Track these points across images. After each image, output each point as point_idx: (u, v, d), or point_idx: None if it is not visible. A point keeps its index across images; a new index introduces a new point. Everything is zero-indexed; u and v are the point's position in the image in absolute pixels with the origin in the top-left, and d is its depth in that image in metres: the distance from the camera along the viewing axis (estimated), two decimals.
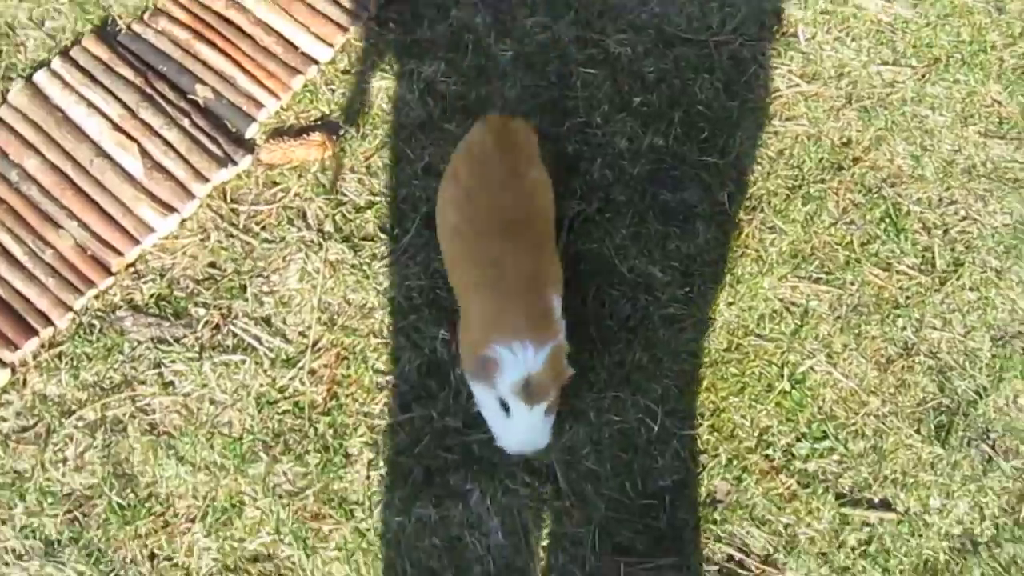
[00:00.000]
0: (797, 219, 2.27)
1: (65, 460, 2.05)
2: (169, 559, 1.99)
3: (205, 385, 2.09)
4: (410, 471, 2.04)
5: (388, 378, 2.11)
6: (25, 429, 2.08)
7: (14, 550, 1.98)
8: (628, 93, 2.41)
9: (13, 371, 2.10)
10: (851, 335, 2.21)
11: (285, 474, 2.04)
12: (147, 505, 2.02)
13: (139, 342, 2.13)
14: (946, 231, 2.32)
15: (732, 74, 2.46)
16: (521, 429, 1.92)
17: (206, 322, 2.14)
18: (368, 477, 2.04)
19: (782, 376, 2.16)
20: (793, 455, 2.11)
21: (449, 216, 2.05)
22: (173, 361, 2.12)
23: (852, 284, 2.25)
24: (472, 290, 1.99)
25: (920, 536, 2.09)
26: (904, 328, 2.23)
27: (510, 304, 1.92)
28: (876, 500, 2.10)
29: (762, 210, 2.27)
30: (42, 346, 2.13)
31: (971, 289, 2.27)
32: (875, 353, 2.20)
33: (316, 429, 2.07)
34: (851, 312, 2.23)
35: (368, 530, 2.00)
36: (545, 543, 2.03)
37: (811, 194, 2.30)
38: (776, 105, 2.45)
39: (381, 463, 2.04)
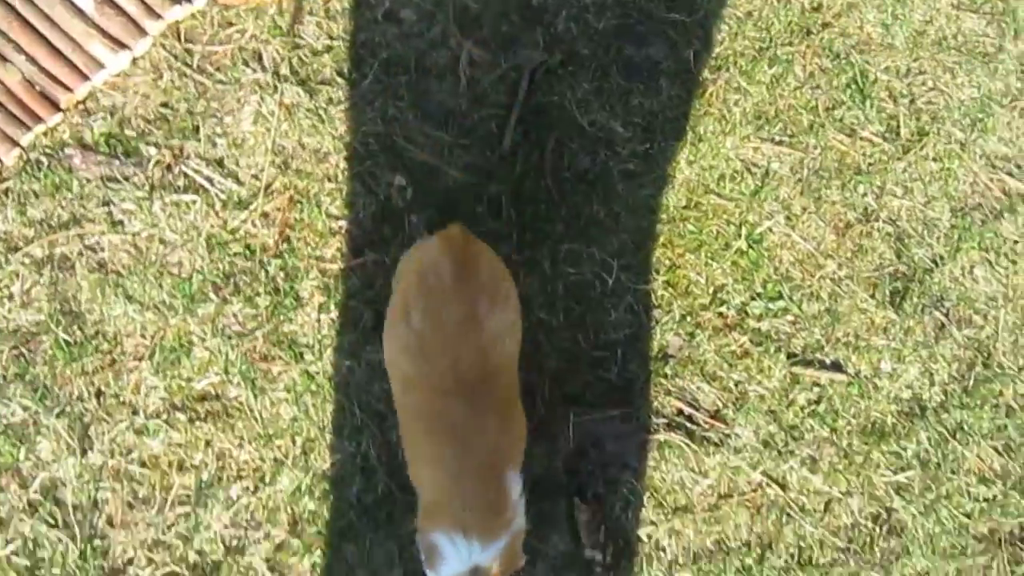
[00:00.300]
0: (763, 81, 2.22)
1: (11, 296, 2.00)
2: (116, 396, 1.94)
3: (155, 225, 2.03)
4: (361, 316, 1.99)
5: (341, 223, 2.05)
6: None
7: None
8: None
9: None
10: (811, 198, 2.16)
11: (235, 315, 1.99)
12: (94, 343, 1.96)
13: (88, 180, 2.06)
14: (912, 101, 2.27)
15: None
16: None
17: (157, 162, 2.07)
18: (319, 320, 1.98)
19: (740, 235, 2.11)
20: (747, 314, 2.07)
21: (400, 363, 1.71)
22: (123, 200, 2.05)
23: (815, 148, 2.20)
24: (422, 460, 1.72)
25: (869, 398, 2.07)
26: (865, 194, 2.19)
27: (462, 487, 1.66)
28: (827, 361, 2.07)
29: (728, 70, 2.21)
30: None
31: (934, 159, 2.23)
32: (834, 217, 2.16)
33: (267, 272, 2.01)
34: (812, 176, 2.18)
35: (317, 373, 1.96)
36: None
37: (778, 57, 2.24)
38: None
39: (332, 307, 1.99)
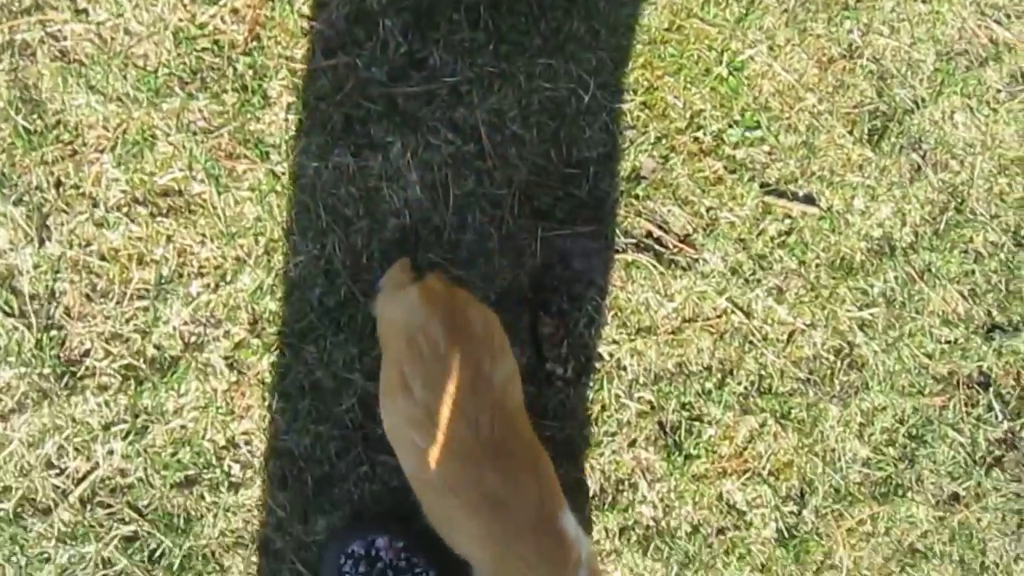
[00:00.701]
0: None
1: None
2: (76, 187, 1.87)
3: (121, 15, 1.94)
4: (330, 118, 1.93)
5: (314, 23, 1.97)
6: None
7: None
8: None
9: None
10: (796, 30, 2.09)
11: (200, 111, 1.91)
12: (55, 132, 1.89)
13: None
14: None
15: None
16: None
17: None
18: (286, 120, 1.91)
19: (721, 62, 2.04)
20: (723, 140, 2.02)
21: (409, 437, 1.58)
22: None
23: None
24: (467, 535, 1.59)
25: (840, 234, 2.03)
26: (851, 30, 2.12)
27: (520, 552, 1.56)
28: (801, 194, 2.03)
29: None
30: None
31: (923, 1, 2.13)
32: (818, 51, 2.09)
33: (235, 68, 1.93)
34: (799, 7, 2.11)
35: (283, 173, 1.89)
36: (464, 202, 1.89)
37: None
38: None
39: (300, 108, 1.92)
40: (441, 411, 1.57)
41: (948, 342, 2.05)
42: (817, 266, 2.03)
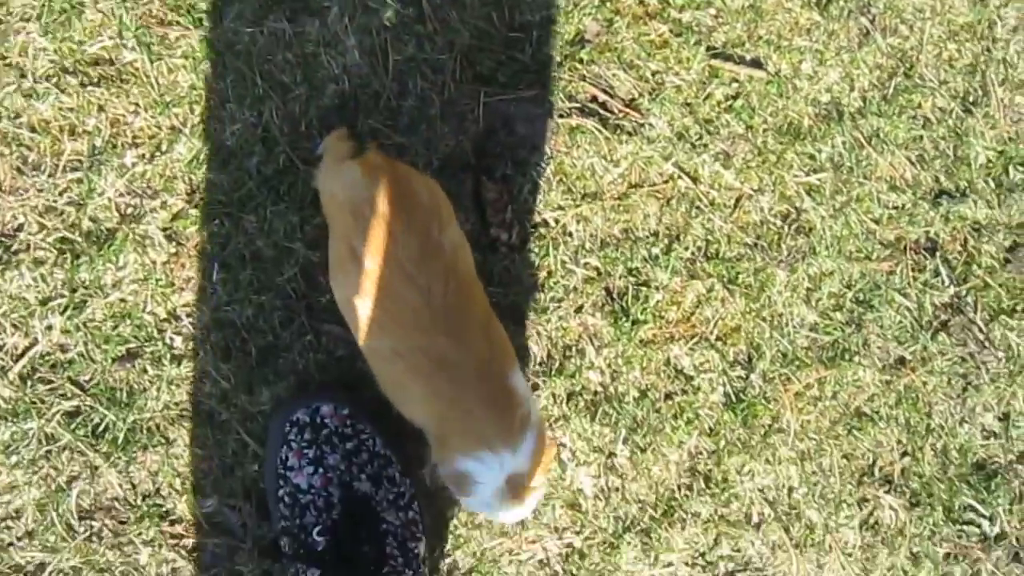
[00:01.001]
0: None
1: None
2: (2, 58, 1.86)
3: None
4: None
5: None
6: None
7: None
8: None
9: None
10: None
11: None
12: None
13: None
14: None
15: None
16: (512, 519, 1.64)
17: None
18: None
19: None
20: (668, 3, 2.00)
21: (359, 308, 1.58)
22: None
23: None
24: (415, 400, 1.59)
25: (787, 98, 1.99)
26: None
27: (466, 406, 1.54)
28: (748, 58, 1.99)
29: None
30: None
31: None
32: None
33: None
34: None
35: (217, 40, 1.84)
36: (404, 67, 1.83)
37: None
38: None
39: None
40: (392, 281, 1.54)
41: (896, 208, 2.03)
42: (764, 131, 2.00)
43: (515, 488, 1.56)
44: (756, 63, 2.03)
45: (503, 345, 1.64)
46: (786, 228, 2.00)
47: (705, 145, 1.99)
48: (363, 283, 1.56)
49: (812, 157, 2.03)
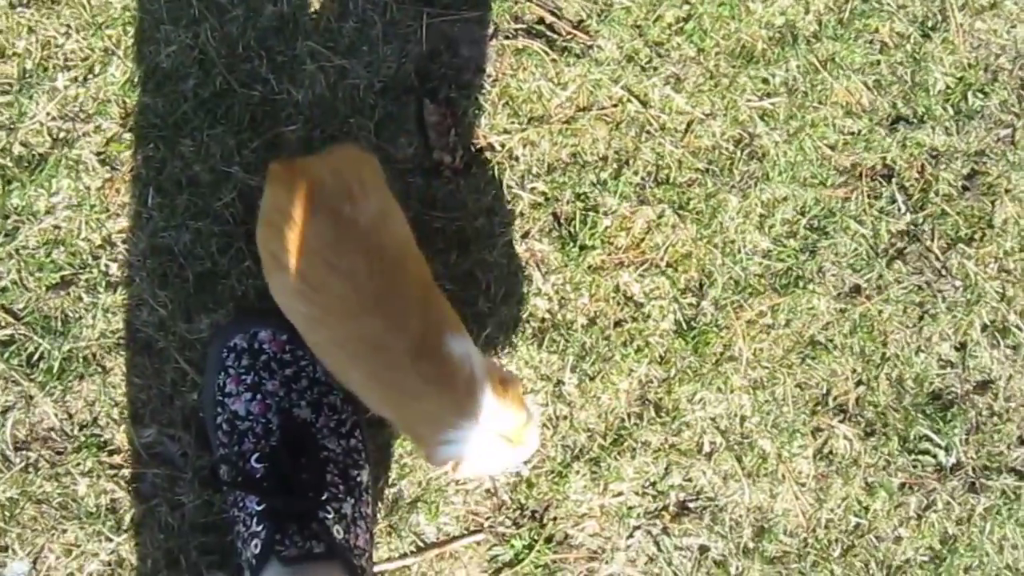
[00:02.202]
0: None
1: None
2: None
3: None
4: None
5: None
6: None
7: None
8: None
9: None
10: None
11: None
12: None
13: None
14: None
15: None
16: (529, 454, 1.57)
17: None
18: None
19: None
20: None
21: (295, 307, 1.53)
22: None
23: None
24: (362, 387, 1.55)
25: (740, 21, 1.94)
26: None
27: (414, 390, 1.46)
28: None
29: None
30: None
31: None
32: None
33: None
34: None
35: None
36: None
37: None
38: None
39: None
40: (315, 273, 1.49)
41: (851, 133, 1.97)
42: (716, 54, 1.94)
43: (508, 438, 1.49)
44: None
45: (439, 314, 1.55)
46: (739, 153, 1.95)
47: (655, 68, 1.93)
48: (290, 284, 1.51)
49: (766, 81, 1.97)
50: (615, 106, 1.94)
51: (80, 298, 1.78)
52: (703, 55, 1.97)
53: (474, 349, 1.53)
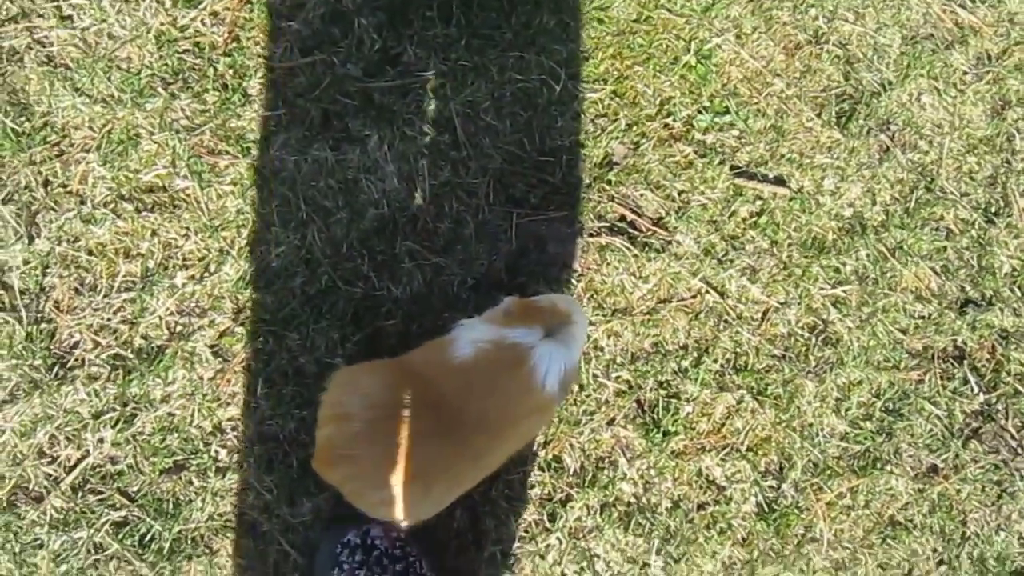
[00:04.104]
0: None
1: None
2: (64, 186, 2.15)
3: (104, 20, 2.22)
4: (308, 114, 2.20)
5: (291, 23, 2.24)
6: None
7: None
8: None
9: None
10: (762, 19, 2.38)
11: (183, 110, 2.19)
12: (42, 134, 2.17)
13: None
14: None
15: None
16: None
17: None
18: (266, 117, 2.19)
19: (689, 50, 2.33)
20: (693, 126, 2.29)
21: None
22: None
23: None
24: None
25: (811, 214, 2.29)
26: (816, 18, 2.40)
27: None
28: (771, 176, 2.30)
29: None
30: None
31: None
32: (784, 38, 2.37)
33: (216, 69, 2.21)
34: None
35: (264, 168, 2.17)
36: (440, 191, 2.17)
37: None
38: None
39: (279, 104, 2.20)
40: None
41: (922, 317, 2.30)
42: (789, 245, 2.29)
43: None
44: (779, 180, 2.34)
45: None
46: (813, 339, 2.28)
47: (731, 260, 2.28)
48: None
49: (837, 270, 2.31)
50: (694, 297, 2.29)
51: (191, 482, 2.13)
52: (776, 247, 2.33)
53: None
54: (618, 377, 2.17)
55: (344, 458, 1.76)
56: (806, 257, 2.26)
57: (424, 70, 2.25)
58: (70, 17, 2.25)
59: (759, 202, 2.27)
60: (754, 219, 2.27)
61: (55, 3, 2.26)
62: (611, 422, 2.16)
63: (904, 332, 2.26)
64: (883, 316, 2.26)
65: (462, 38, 2.27)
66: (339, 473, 1.78)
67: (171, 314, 2.12)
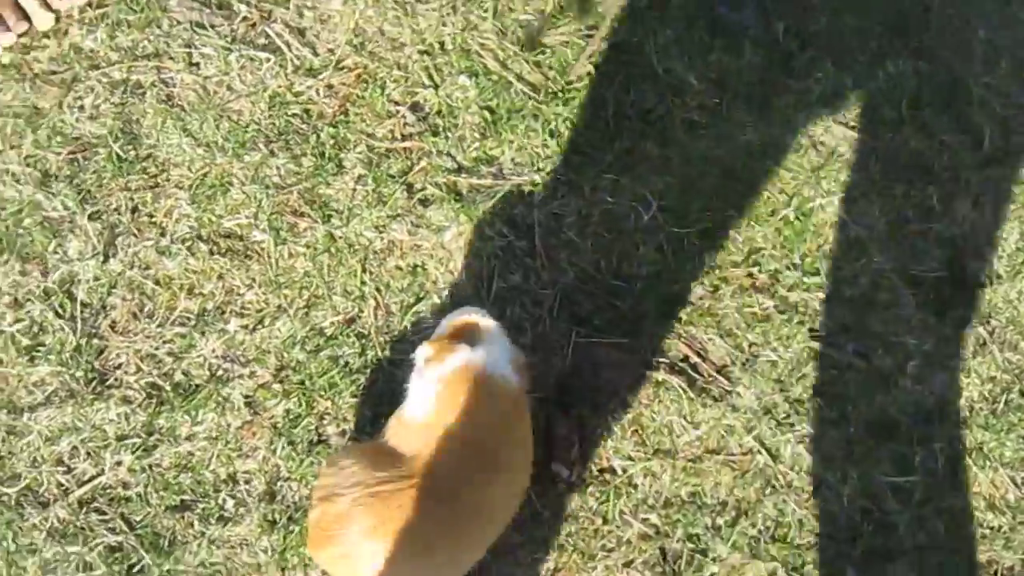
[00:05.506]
0: (851, 67, 2.63)
1: (82, 107, 2.55)
2: (150, 216, 2.45)
3: (227, 73, 2.56)
4: (395, 194, 2.46)
5: (399, 108, 2.54)
6: (54, 73, 2.60)
7: (13, 174, 2.46)
8: None
9: (57, 19, 2.60)
10: (873, 188, 2.54)
11: (278, 168, 2.49)
12: (143, 164, 2.49)
13: (178, 22, 2.62)
14: (1005, 122, 2.62)
15: None
16: None
17: (245, 18, 2.62)
18: (354, 190, 2.47)
19: (789, 205, 2.49)
20: (778, 281, 2.44)
21: None
22: (204, 45, 2.60)
23: (890, 142, 2.57)
24: None
25: (887, 394, 2.39)
26: (931, 196, 2.56)
27: None
28: (851, 347, 2.41)
29: (816, 49, 2.62)
30: (89, 4, 2.62)
31: (1015, 182, 2.56)
32: (893, 211, 2.53)
33: (319, 136, 2.51)
34: (880, 167, 2.55)
35: (340, 237, 2.43)
36: (506, 294, 2.38)
37: (871, 47, 2.64)
38: None
39: (370, 180, 2.47)
40: None
41: (991, 528, 2.31)
42: (857, 422, 2.37)
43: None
44: (860, 353, 2.43)
45: None
46: (865, 525, 2.31)
47: (791, 425, 2.37)
48: None
49: (904, 458, 2.36)
50: (744, 454, 2.37)
51: (192, 524, 2.29)
52: (843, 421, 2.40)
53: None
54: (646, 520, 2.26)
55: (331, 539, 1.91)
56: (873, 438, 2.32)
57: (517, 175, 2.47)
58: (197, 64, 2.58)
59: (833, 371, 2.35)
60: (824, 388, 2.35)
61: (188, 49, 2.59)
62: (628, 564, 2.24)
63: (968, 540, 2.26)
64: (947, 518, 2.27)
65: (562, 152, 2.49)
66: (328, 554, 1.93)
67: (216, 357, 2.34)
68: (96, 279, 2.35)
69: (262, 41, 2.58)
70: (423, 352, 2.02)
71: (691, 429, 2.31)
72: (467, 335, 2.03)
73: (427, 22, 2.62)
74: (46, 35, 2.60)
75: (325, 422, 2.27)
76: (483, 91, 2.54)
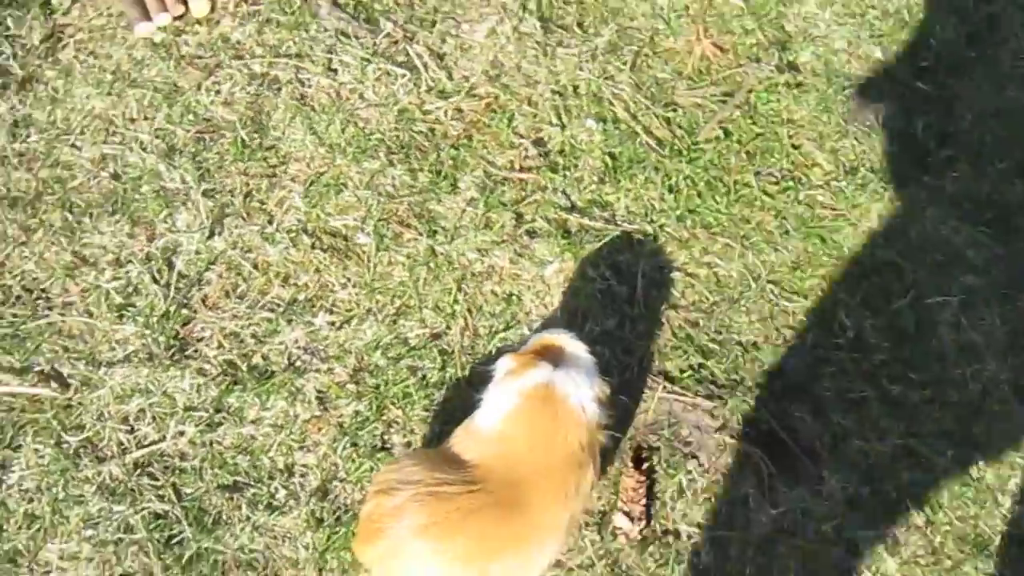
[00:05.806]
0: (988, 172, 2.63)
1: (218, 92, 2.66)
2: (261, 203, 2.53)
3: (362, 82, 2.66)
4: (503, 221, 2.49)
5: (523, 141, 2.59)
6: (199, 58, 2.72)
7: (141, 142, 2.58)
8: None
9: (213, 8, 2.74)
10: (996, 300, 2.50)
11: (394, 178, 2.55)
12: (265, 154, 2.58)
13: (325, 29, 2.74)
14: None
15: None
16: None
17: (389, 34, 2.72)
18: (464, 211, 2.51)
19: (905, 296, 2.47)
20: (885, 371, 2.39)
21: None
22: (345, 53, 2.70)
23: (1019, 250, 2.53)
24: None
25: (983, 507, 2.36)
26: None
27: None
28: (950, 453, 2.40)
29: (955, 147, 2.64)
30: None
31: None
32: (1013, 322, 2.47)
33: (439, 155, 2.57)
34: (1005, 277, 2.50)
35: (442, 254, 2.46)
36: (598, 338, 2.38)
37: (1017, 157, 2.63)
38: None
39: (481, 204, 2.51)
40: None
41: None
42: (946, 531, 2.26)
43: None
44: (958, 461, 2.33)
45: None
46: None
47: (874, 521, 2.27)
48: None
49: None
50: (820, 544, 2.28)
51: (240, 507, 2.28)
52: (931, 527, 2.29)
53: None
54: None
55: (380, 532, 1.89)
56: (961, 551, 2.22)
57: (629, 223, 2.47)
58: (335, 70, 2.67)
59: (928, 473, 2.27)
60: (916, 489, 2.27)
61: (329, 55, 2.69)
62: None
63: None
64: None
65: (677, 209, 2.49)
66: (375, 550, 1.91)
67: (297, 347, 2.36)
68: (197, 253, 2.41)
69: (401, 58, 2.66)
70: (505, 363, 1.99)
71: (767, 507, 2.25)
72: (553, 355, 2.00)
73: (564, 65, 2.66)
74: (199, 22, 2.70)
75: (392, 430, 2.25)
76: (609, 137, 2.56)
